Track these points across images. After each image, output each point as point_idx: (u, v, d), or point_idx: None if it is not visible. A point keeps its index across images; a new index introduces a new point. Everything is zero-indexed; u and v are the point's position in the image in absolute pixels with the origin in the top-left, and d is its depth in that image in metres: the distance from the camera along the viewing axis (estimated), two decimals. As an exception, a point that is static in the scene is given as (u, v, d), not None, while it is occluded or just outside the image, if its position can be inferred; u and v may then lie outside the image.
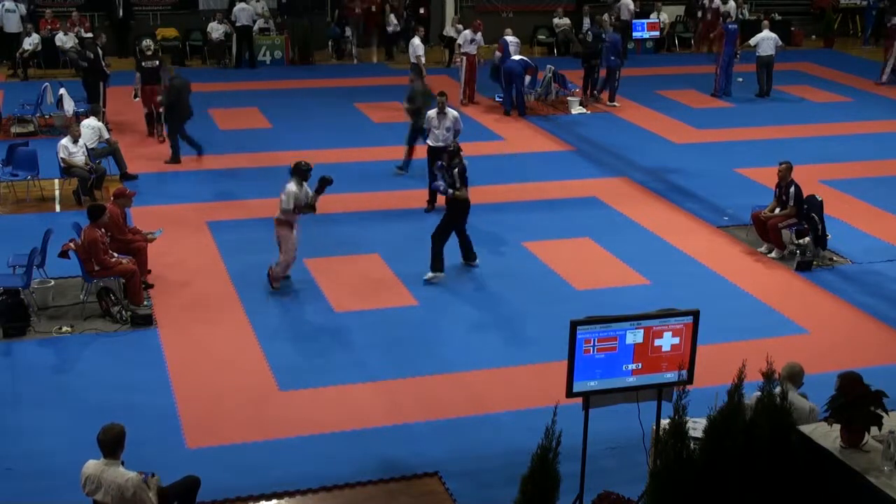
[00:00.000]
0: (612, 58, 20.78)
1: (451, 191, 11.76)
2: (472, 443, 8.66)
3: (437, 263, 11.79)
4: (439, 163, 12.15)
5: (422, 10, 26.53)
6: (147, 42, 18.47)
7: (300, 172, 11.37)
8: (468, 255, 12.26)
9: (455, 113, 14.36)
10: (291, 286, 11.73)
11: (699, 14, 27.98)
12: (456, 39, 23.08)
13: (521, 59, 19.94)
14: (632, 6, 25.70)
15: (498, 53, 20.28)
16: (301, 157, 16.50)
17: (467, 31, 21.02)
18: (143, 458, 7.39)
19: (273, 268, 11.50)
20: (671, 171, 16.51)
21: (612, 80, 21.01)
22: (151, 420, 8.77)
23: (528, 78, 20.20)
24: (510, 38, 20.43)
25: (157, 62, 17.82)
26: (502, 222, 13.93)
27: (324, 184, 11.36)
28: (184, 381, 9.59)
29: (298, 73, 23.82)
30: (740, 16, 24.57)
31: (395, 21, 25.89)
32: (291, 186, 11.27)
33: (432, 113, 14.28)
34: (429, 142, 14.24)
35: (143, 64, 17.62)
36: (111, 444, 6.62)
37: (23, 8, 23.52)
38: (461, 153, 11.98)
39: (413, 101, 15.92)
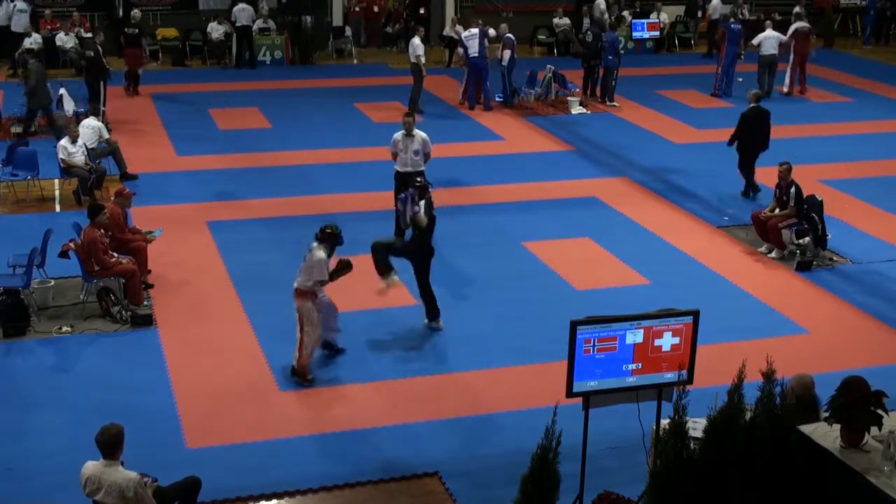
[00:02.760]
0: (610, 57, 20.81)
1: (416, 208, 10.46)
2: (472, 443, 8.67)
3: (433, 310, 10.75)
4: (402, 194, 10.96)
5: (422, 10, 26.55)
6: (135, 12, 21.50)
7: (331, 240, 9.69)
8: (431, 310, 10.73)
9: (423, 135, 13.03)
10: (292, 286, 11.72)
11: (699, 14, 28.00)
12: (456, 39, 23.13)
13: (482, 49, 20.06)
14: (603, 5, 25.72)
15: (460, 49, 20.43)
16: (301, 159, 16.71)
17: (465, 34, 21.08)
18: (143, 458, 7.40)
19: (297, 359, 9.64)
20: (671, 171, 16.51)
21: (610, 79, 21.03)
22: (151, 420, 8.77)
23: (507, 53, 20.28)
24: (466, 32, 20.49)
25: (138, 30, 20.60)
26: (502, 222, 13.94)
27: (342, 269, 9.85)
28: (184, 381, 9.59)
29: (298, 73, 23.82)
30: (741, 16, 24.57)
31: (309, 21, 25.75)
32: (321, 254, 9.58)
33: (398, 135, 12.98)
34: (396, 167, 13.12)
35: (126, 30, 20.49)
36: (110, 445, 6.62)
37: (30, 9, 23.53)
38: (430, 190, 10.79)
39: (27, 82, 16.60)
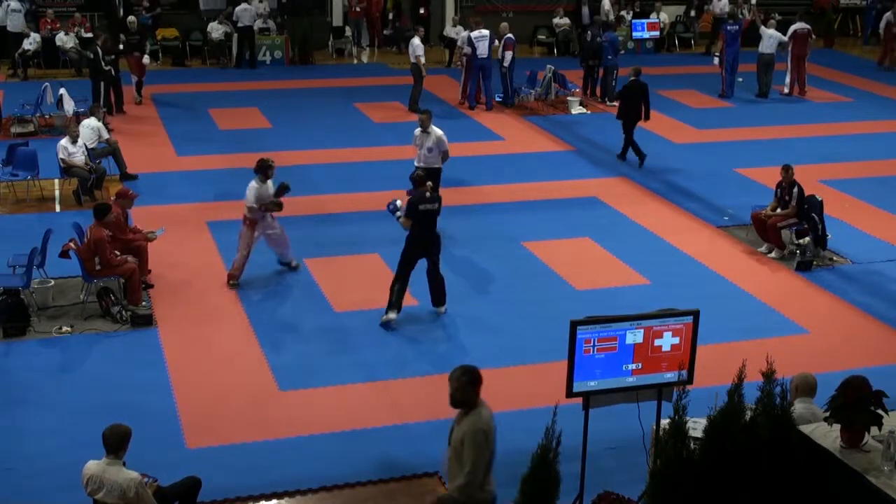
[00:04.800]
0: (609, 57, 20.81)
1: (398, 213, 10.81)
2: (473, 443, 8.65)
3: (392, 302, 10.80)
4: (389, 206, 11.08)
5: (422, 10, 26.55)
6: (131, 18, 20.96)
7: (261, 168, 11.60)
8: (436, 297, 11.05)
9: (439, 132, 13.38)
10: (291, 286, 11.74)
11: (695, 13, 27.99)
12: (456, 39, 23.15)
13: (489, 48, 20.20)
14: (607, 5, 25.65)
15: (468, 48, 20.36)
16: (301, 159, 16.71)
17: (464, 33, 21.07)
18: (144, 458, 7.39)
19: (232, 268, 11.71)
20: (671, 171, 16.52)
21: (609, 79, 21.02)
22: (151, 420, 8.76)
23: (508, 55, 20.30)
24: (476, 33, 20.43)
25: (139, 36, 20.24)
26: (502, 222, 13.94)
27: (282, 190, 11.76)
28: (184, 381, 9.59)
29: (298, 73, 23.82)
30: (741, 16, 24.54)
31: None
32: (251, 182, 11.56)
33: (417, 131, 13.51)
34: (414, 162, 13.51)
35: (127, 38, 19.90)
36: (115, 443, 6.63)
37: (25, 8, 23.52)
38: (428, 184, 10.89)
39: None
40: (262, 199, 11.54)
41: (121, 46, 19.73)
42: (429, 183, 10.90)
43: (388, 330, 10.69)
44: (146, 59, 20.14)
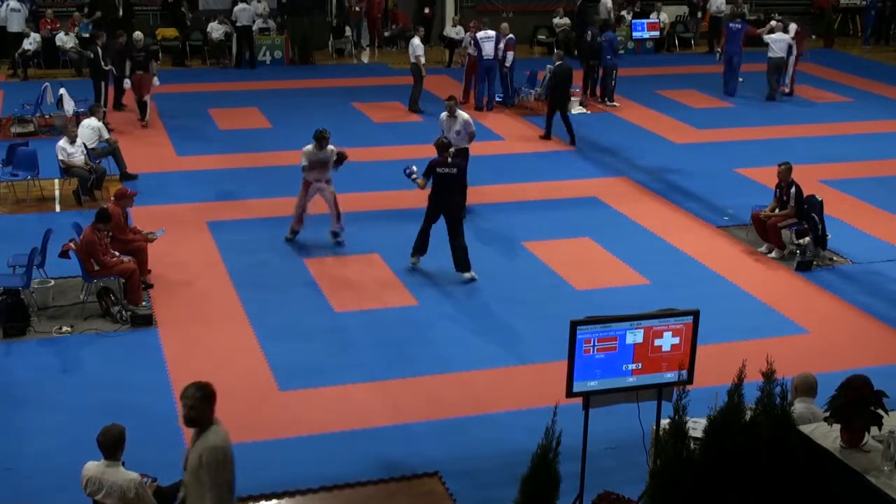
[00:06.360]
0: (609, 57, 20.81)
1: (415, 176, 12.06)
2: (472, 443, 8.66)
3: (415, 247, 12.14)
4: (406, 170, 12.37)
5: (426, 10, 26.53)
6: (138, 34, 19.39)
7: (315, 138, 12.66)
8: (457, 264, 11.91)
9: (466, 116, 14.18)
10: (291, 286, 11.74)
11: (699, 14, 27.98)
12: (455, 40, 23.14)
13: (495, 48, 20.19)
14: (609, 4, 25.63)
15: (473, 50, 20.33)
16: (301, 159, 16.67)
17: (467, 34, 21.06)
18: (143, 458, 7.39)
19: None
20: (671, 171, 16.51)
21: (609, 79, 21.02)
22: (151, 420, 8.76)
23: (510, 55, 20.30)
24: (481, 34, 20.40)
25: (144, 53, 18.80)
26: (502, 222, 13.94)
27: (340, 158, 12.91)
28: (184, 381, 9.42)
29: (298, 73, 23.83)
30: (744, 14, 24.50)
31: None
32: (307, 147, 12.71)
33: (443, 116, 14.16)
34: None
35: (134, 54, 18.62)
36: (111, 446, 6.62)
37: (26, 9, 23.51)
38: (450, 149, 12.18)
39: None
40: (310, 158, 12.69)
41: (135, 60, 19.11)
42: (451, 149, 12.20)
43: (414, 270, 12.00)
44: (156, 81, 18.76)
